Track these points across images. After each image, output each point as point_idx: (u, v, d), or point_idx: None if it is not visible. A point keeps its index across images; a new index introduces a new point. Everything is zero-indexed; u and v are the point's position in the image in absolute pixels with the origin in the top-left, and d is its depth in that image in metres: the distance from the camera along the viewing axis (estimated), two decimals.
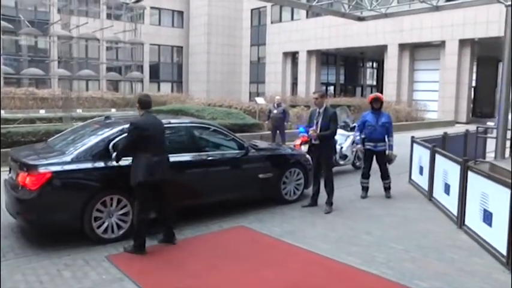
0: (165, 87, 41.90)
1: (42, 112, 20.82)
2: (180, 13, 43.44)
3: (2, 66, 19.92)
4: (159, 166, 5.30)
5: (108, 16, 32.32)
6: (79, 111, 21.70)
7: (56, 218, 5.48)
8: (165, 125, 5.87)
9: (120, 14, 28.98)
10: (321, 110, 7.42)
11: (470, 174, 6.30)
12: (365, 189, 8.48)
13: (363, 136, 8.37)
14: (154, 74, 42.13)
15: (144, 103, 5.47)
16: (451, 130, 11.35)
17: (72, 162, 5.57)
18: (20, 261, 5.11)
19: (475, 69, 30.21)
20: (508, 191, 5.14)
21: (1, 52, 16.37)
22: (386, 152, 8.27)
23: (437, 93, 29.10)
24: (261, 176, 7.32)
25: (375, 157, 8.35)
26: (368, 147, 8.33)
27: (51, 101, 25.00)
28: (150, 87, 39.99)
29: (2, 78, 15.39)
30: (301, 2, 15.19)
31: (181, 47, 43.73)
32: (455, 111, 28.05)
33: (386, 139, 8.25)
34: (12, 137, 11.07)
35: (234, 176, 7.09)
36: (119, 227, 5.76)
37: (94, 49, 36.15)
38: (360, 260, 5.25)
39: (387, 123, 8.26)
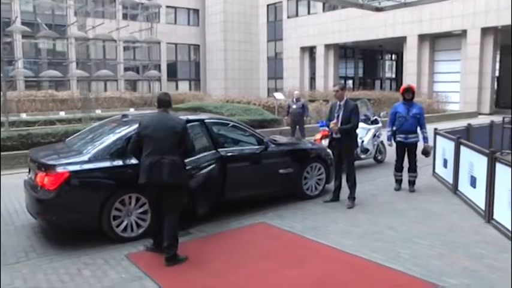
0: (183, 86, 41.95)
1: (62, 114, 20.96)
2: (196, 11, 43.40)
3: (21, 70, 20.08)
4: (157, 168, 4.90)
5: (124, 16, 32.43)
6: (98, 111, 21.79)
7: (75, 218, 5.44)
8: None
9: (136, 14, 29.07)
10: (342, 103, 7.27)
11: (498, 166, 6.07)
12: (399, 181, 8.36)
13: (394, 128, 8.21)
14: (172, 73, 42.22)
15: (160, 101, 5.29)
16: (474, 121, 11.08)
17: (89, 161, 5.53)
18: (42, 260, 5.10)
19: (498, 59, 29.51)
20: None
21: (1, 55, 16.52)
22: (420, 143, 8.13)
23: (459, 84, 28.49)
24: (281, 171, 7.19)
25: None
26: (399, 139, 8.18)
27: (70, 102, 25.18)
28: (168, 86, 40.11)
29: (3, 82, 15.48)
30: None
31: (198, 45, 43.72)
32: (478, 102, 27.39)
33: (418, 131, 8.10)
34: (32, 139, 11.16)
35: (253, 171, 6.96)
36: (138, 226, 5.71)
37: (111, 50, 36.40)
38: (385, 256, 5.10)
39: (419, 114, 8.10)
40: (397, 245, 5.46)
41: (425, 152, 8.27)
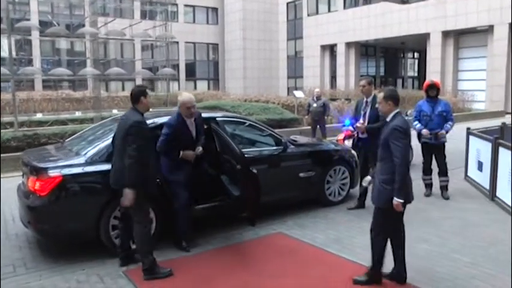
0: (202, 85, 41.44)
1: (77, 114, 20.65)
2: (215, 10, 42.89)
3: (29, 68, 19.80)
4: (114, 174, 4.52)
5: (143, 15, 32.16)
6: (114, 111, 21.41)
7: (69, 227, 4.85)
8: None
9: (154, 13, 28.72)
10: (369, 100, 6.52)
11: None
12: (429, 186, 7.63)
13: (420, 126, 7.40)
14: (190, 73, 41.79)
15: (130, 96, 4.62)
16: (503, 121, 10.28)
17: (86, 164, 4.96)
18: (30, 276, 4.55)
19: None
20: None
21: (0, 55, 16.23)
22: (441, 131, 7.22)
23: (485, 82, 27.37)
24: (301, 175, 6.53)
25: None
26: (424, 140, 7.39)
27: (86, 102, 24.92)
28: (187, 86, 39.71)
29: (10, 83, 15.16)
30: None
31: (217, 44, 43.19)
32: (505, 100, 26.17)
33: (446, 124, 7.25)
34: (39, 139, 10.69)
35: (271, 175, 6.19)
36: None
37: (129, 49, 36.24)
38: (420, 275, 4.39)
39: (445, 112, 7.26)
40: (434, 262, 4.76)
41: (442, 136, 7.30)
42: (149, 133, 4.58)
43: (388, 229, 4.21)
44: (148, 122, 4.83)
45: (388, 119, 4.18)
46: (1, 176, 8.05)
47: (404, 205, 4.05)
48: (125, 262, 4.71)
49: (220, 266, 4.75)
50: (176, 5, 36.77)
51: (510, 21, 24.94)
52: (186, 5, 40.01)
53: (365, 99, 6.63)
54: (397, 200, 3.93)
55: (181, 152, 5.01)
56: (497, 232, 5.75)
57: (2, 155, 9.79)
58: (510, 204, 6.52)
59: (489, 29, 26.64)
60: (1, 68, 13.54)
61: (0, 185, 7.35)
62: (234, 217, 5.83)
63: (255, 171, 5.17)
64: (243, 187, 5.20)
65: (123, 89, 33.79)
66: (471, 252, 5.04)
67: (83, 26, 23.61)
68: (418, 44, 33.48)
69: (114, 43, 32.52)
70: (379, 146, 4.17)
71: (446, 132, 7.27)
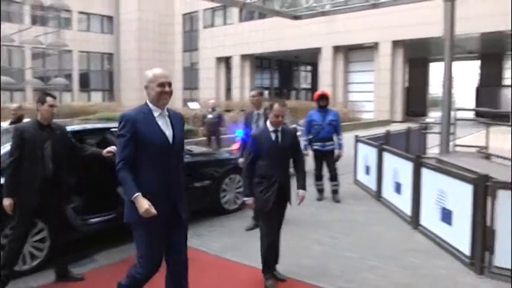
0: (96, 97, 39.72)
1: None
2: (110, 18, 41.38)
3: None
4: None
5: (33, 20, 30.27)
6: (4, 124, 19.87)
7: None
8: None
9: (47, 19, 27.12)
10: (261, 112, 6.42)
11: (424, 171, 5.86)
12: (321, 191, 7.98)
13: (310, 137, 7.80)
14: (84, 83, 39.90)
15: None
16: (388, 129, 11.14)
17: None
18: None
19: (407, 70, 30.89)
20: (470, 186, 4.70)
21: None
22: (336, 151, 7.76)
23: (373, 93, 29.45)
24: (197, 184, 6.53)
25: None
26: (316, 147, 7.78)
27: None
28: (80, 97, 37.85)
29: None
30: (235, 0, 14.47)
31: (112, 54, 41.76)
32: (391, 110, 28.51)
33: (335, 138, 7.73)
34: None
35: None
36: (33, 257, 4.75)
37: (18, 56, 33.89)
38: (314, 273, 4.62)
39: (335, 121, 7.74)
40: (327, 260, 5.00)
41: (337, 158, 7.89)
42: (26, 141, 4.26)
43: (262, 230, 4.42)
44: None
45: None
46: None
47: (261, 206, 4.32)
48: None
49: (115, 279, 4.59)
50: (70, 11, 35.08)
51: (393, 39, 27.20)
52: (80, 12, 38.23)
53: (256, 111, 6.48)
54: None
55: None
56: (384, 229, 6.20)
57: None
58: (393, 203, 7.06)
59: (375, 46, 28.76)
60: None
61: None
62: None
63: None
64: None
65: (11, 100, 31.39)
66: (360, 249, 5.37)
67: None
68: (311, 57, 35.00)
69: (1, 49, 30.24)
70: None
71: (341, 147, 7.75)
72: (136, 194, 3.13)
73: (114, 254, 5.31)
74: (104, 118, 17.25)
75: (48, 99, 4.35)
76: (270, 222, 4.37)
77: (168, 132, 3.31)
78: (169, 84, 3.31)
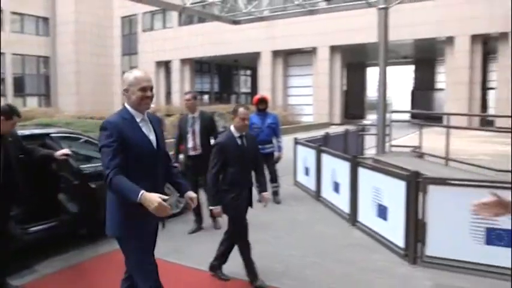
0: (32, 102, 37.88)
1: None
2: (46, 20, 39.59)
3: None
4: None
5: None
6: None
7: None
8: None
9: None
10: (196, 115, 6.41)
11: (361, 170, 6.12)
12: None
13: None
14: (19, 88, 37.91)
15: None
16: (327, 131, 11.48)
17: None
18: None
19: (345, 74, 31.86)
20: (403, 183, 4.98)
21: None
22: (275, 153, 7.92)
23: (312, 97, 30.14)
24: None
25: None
26: None
27: None
28: (15, 102, 35.73)
29: None
30: (174, 4, 14.42)
31: (48, 57, 40.02)
32: (330, 113, 29.29)
33: (274, 140, 7.91)
34: None
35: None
36: None
37: None
38: (259, 273, 4.70)
39: (274, 124, 7.93)
40: (270, 260, 5.12)
41: (276, 160, 8.09)
42: None
43: (236, 236, 4.62)
44: None
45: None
46: None
47: (233, 213, 4.47)
48: None
49: None
50: (1, 11, 33.34)
51: (331, 44, 27.99)
52: (13, 13, 36.36)
53: (190, 114, 6.43)
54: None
55: None
56: (324, 227, 6.43)
57: None
58: (332, 202, 7.31)
59: (313, 50, 29.46)
60: None
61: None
62: (72, 236, 5.64)
63: (93, 186, 5.03)
64: (80, 203, 5.01)
65: None
66: (302, 247, 5.55)
67: None
68: (251, 61, 35.35)
69: None
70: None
71: (280, 149, 7.95)
72: (142, 192, 2.78)
73: (56, 263, 5.17)
74: (42, 124, 16.70)
75: None
76: (243, 224, 4.53)
77: (152, 137, 3.14)
78: (151, 89, 3.16)
